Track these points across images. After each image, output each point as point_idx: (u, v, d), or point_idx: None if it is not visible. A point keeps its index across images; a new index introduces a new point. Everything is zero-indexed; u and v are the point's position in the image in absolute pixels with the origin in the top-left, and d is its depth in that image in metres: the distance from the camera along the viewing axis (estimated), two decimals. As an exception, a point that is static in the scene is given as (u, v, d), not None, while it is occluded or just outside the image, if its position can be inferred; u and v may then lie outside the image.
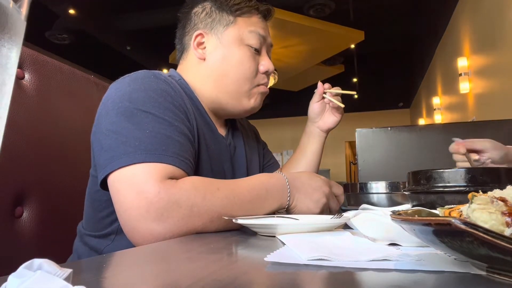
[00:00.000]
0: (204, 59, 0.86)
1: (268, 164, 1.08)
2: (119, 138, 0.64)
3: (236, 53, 0.85)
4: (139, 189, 0.60)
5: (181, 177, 0.64)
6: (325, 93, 1.01)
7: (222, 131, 0.90)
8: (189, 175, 0.67)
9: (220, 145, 0.85)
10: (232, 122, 0.96)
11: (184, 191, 0.61)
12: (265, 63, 0.88)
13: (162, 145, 0.64)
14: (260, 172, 1.02)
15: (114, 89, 0.72)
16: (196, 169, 0.75)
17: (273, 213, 0.72)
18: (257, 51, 0.87)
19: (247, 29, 0.86)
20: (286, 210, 0.74)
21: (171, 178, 0.63)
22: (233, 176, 0.87)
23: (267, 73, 0.89)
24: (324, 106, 1.03)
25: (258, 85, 0.88)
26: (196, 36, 0.86)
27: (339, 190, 0.82)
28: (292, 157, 1.10)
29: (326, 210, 0.76)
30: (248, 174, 0.93)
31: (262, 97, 0.90)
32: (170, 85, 0.75)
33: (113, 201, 0.64)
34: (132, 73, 0.75)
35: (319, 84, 1.02)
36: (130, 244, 0.63)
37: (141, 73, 0.74)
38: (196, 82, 0.86)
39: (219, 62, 0.85)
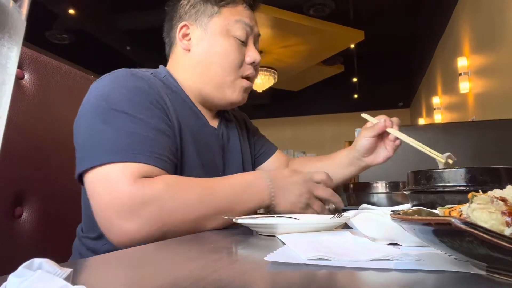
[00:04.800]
0: (189, 50, 0.86)
1: (260, 152, 1.05)
2: (95, 137, 0.65)
3: (221, 43, 0.84)
4: (112, 189, 0.61)
5: (158, 175, 0.65)
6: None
7: (214, 123, 0.89)
8: (168, 172, 0.68)
9: (211, 136, 0.85)
10: (224, 113, 0.95)
11: (156, 190, 0.61)
12: (252, 54, 0.86)
13: (137, 144, 0.65)
14: (253, 163, 1.01)
15: (94, 89, 0.72)
16: (183, 163, 0.75)
17: (255, 211, 0.70)
18: (244, 43, 0.86)
19: (232, 18, 0.84)
20: (268, 207, 0.70)
21: (147, 176, 0.63)
22: (227, 167, 0.87)
23: (253, 64, 0.87)
24: (377, 143, 0.95)
25: (242, 78, 0.86)
26: (181, 28, 0.86)
27: (321, 176, 0.74)
28: (319, 161, 1.04)
29: (314, 202, 0.72)
30: (243, 165, 0.92)
31: (246, 91, 0.88)
32: (147, 82, 0.74)
33: (90, 202, 0.65)
34: (112, 72, 0.75)
35: (382, 121, 0.92)
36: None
37: (120, 72, 0.74)
38: (181, 74, 0.86)
39: (204, 52, 0.84)
